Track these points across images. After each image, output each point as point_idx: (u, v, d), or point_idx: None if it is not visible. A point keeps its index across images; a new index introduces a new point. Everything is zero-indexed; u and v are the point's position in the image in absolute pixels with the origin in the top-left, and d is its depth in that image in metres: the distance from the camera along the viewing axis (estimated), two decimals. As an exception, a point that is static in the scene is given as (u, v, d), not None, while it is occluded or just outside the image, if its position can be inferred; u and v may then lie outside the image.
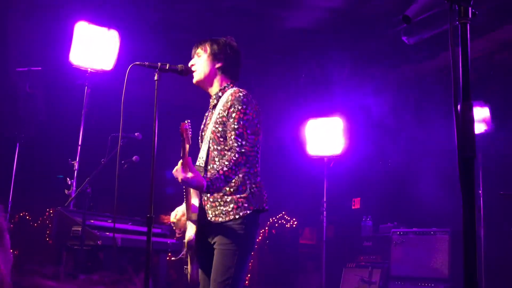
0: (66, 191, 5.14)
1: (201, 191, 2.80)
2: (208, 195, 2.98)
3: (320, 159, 6.98)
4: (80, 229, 4.26)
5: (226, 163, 2.84)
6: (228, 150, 2.94)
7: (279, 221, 8.85)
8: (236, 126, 2.90)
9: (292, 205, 8.70)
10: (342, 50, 6.91)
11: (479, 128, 5.94)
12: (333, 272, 6.83)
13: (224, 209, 2.92)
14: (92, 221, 4.52)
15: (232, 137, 2.90)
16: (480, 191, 5.88)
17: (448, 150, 5.81)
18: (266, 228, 8.86)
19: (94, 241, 4.26)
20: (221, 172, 2.81)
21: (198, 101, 3.53)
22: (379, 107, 7.23)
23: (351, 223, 7.46)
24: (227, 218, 2.91)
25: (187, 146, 2.78)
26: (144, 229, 3.03)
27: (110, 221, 4.63)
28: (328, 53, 7.06)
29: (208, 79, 3.15)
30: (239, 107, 2.94)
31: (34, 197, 6.97)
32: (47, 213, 7.60)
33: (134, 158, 5.06)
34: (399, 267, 6.13)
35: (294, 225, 8.80)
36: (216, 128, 3.00)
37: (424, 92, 6.87)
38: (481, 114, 5.97)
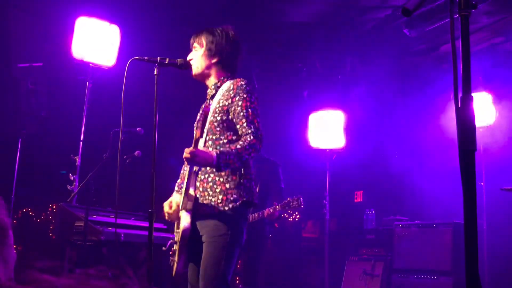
0: (68, 187, 5.15)
1: (211, 164, 2.77)
2: (198, 184, 2.98)
3: (323, 152, 6.98)
4: (83, 224, 4.26)
5: (240, 142, 2.85)
6: (227, 139, 2.95)
7: (282, 215, 8.85)
8: (245, 114, 2.92)
9: (294, 199, 8.69)
10: (343, 43, 6.89)
11: (481, 120, 5.93)
12: (336, 265, 6.84)
13: (213, 199, 2.91)
14: (95, 216, 4.53)
15: (244, 124, 2.90)
16: (482, 183, 5.87)
17: (451, 142, 5.81)
18: (269, 221, 8.85)
19: (97, 236, 4.27)
20: (233, 147, 2.82)
21: (199, 94, 3.53)
22: (381, 100, 7.21)
23: (353, 216, 7.47)
24: (216, 210, 2.90)
25: (201, 132, 2.82)
26: (147, 224, 3.03)
27: (113, 216, 4.64)
28: (329, 46, 7.04)
29: (205, 73, 3.16)
30: (245, 95, 2.96)
31: (36, 192, 6.98)
32: (50, 209, 7.61)
33: (136, 153, 5.07)
34: (402, 260, 6.13)
35: (296, 219, 8.81)
36: (215, 117, 3.00)
37: (426, 84, 6.85)
38: (483, 106, 5.96)
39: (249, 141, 2.83)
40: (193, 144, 2.78)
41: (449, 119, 5.91)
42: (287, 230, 8.84)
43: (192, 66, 3.14)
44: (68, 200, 4.94)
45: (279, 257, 8.71)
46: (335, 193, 6.95)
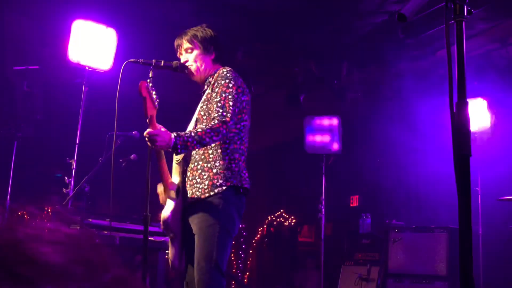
0: (64, 190, 5.14)
1: (168, 146, 2.74)
2: (188, 173, 2.98)
3: (319, 156, 6.98)
4: (78, 227, 4.25)
5: (203, 126, 2.85)
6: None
7: (278, 219, 8.85)
8: (218, 99, 2.93)
9: (290, 203, 8.71)
10: (340, 47, 6.90)
11: (477, 125, 5.95)
12: (332, 270, 6.84)
13: (200, 186, 2.90)
14: (90, 220, 4.52)
15: (214, 107, 2.91)
16: (477, 189, 5.88)
17: (446, 147, 5.82)
18: (265, 226, 8.86)
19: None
20: (193, 130, 2.81)
21: (194, 97, 3.53)
22: (377, 105, 7.23)
23: (349, 220, 7.47)
24: (202, 196, 2.88)
25: (151, 106, 2.75)
26: (142, 227, 3.03)
27: (108, 220, 4.63)
28: (326, 50, 7.06)
29: (206, 72, 3.18)
30: (222, 82, 2.97)
31: (32, 196, 6.96)
32: (45, 212, 7.59)
33: (131, 156, 5.07)
34: (397, 265, 6.13)
35: (292, 223, 8.81)
36: (202, 108, 3.03)
37: (422, 89, 6.86)
38: (478, 111, 5.98)
39: (212, 124, 2.82)
40: (149, 124, 2.76)
41: (445, 124, 5.92)
42: (283, 234, 8.84)
43: (189, 68, 3.15)
44: (63, 203, 4.92)
45: (274, 261, 8.70)
46: (331, 198, 6.96)
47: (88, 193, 4.57)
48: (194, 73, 3.16)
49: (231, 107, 2.89)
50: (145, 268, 2.83)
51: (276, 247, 8.79)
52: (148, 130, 2.74)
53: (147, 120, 2.76)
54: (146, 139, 2.76)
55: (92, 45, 5.49)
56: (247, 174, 3.02)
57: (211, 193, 2.87)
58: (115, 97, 3.10)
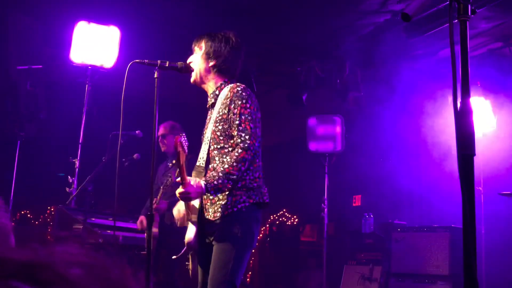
0: (67, 189, 5.15)
1: (203, 194, 2.81)
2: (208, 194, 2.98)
3: (322, 156, 6.98)
4: (81, 227, 4.26)
5: (228, 160, 2.84)
6: (232, 147, 2.93)
7: (280, 219, 8.85)
8: (238, 122, 2.89)
9: (293, 202, 8.71)
10: (342, 47, 6.90)
11: (479, 125, 5.94)
12: (334, 269, 6.84)
13: (223, 203, 2.90)
14: (93, 219, 4.54)
15: (235, 133, 2.89)
16: (480, 188, 5.88)
17: (450, 147, 5.82)
18: (267, 225, 8.86)
19: (95, 239, 4.27)
20: (219, 169, 2.81)
21: (199, 98, 3.53)
22: (380, 104, 7.22)
23: (352, 220, 7.47)
24: (225, 213, 2.88)
25: (183, 157, 2.79)
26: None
27: (111, 219, 4.64)
28: (328, 50, 7.06)
29: (203, 78, 3.13)
30: (239, 102, 2.92)
31: (35, 195, 6.98)
32: (48, 211, 7.61)
33: (135, 156, 5.08)
34: (400, 264, 6.13)
35: (295, 222, 8.81)
36: (216, 127, 2.98)
37: (425, 89, 6.86)
38: (482, 111, 5.97)
39: (236, 156, 2.81)
40: (182, 180, 2.77)
41: (447, 124, 5.92)
42: (285, 233, 8.84)
43: (192, 69, 3.14)
44: (66, 202, 4.93)
45: (277, 260, 8.70)
46: (334, 197, 6.95)
47: (91, 193, 4.58)
48: (193, 75, 3.15)
49: (251, 129, 2.88)
50: (149, 267, 2.84)
51: (279, 247, 8.79)
52: (180, 190, 2.76)
53: (178, 168, 2.77)
54: (179, 197, 2.81)
55: (95, 44, 5.50)
56: (266, 189, 3.02)
57: (234, 209, 2.88)
58: (118, 96, 3.10)
